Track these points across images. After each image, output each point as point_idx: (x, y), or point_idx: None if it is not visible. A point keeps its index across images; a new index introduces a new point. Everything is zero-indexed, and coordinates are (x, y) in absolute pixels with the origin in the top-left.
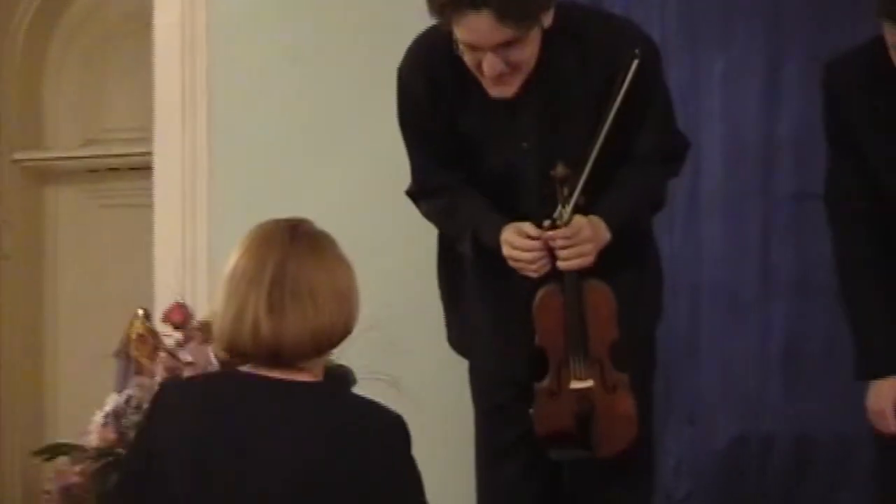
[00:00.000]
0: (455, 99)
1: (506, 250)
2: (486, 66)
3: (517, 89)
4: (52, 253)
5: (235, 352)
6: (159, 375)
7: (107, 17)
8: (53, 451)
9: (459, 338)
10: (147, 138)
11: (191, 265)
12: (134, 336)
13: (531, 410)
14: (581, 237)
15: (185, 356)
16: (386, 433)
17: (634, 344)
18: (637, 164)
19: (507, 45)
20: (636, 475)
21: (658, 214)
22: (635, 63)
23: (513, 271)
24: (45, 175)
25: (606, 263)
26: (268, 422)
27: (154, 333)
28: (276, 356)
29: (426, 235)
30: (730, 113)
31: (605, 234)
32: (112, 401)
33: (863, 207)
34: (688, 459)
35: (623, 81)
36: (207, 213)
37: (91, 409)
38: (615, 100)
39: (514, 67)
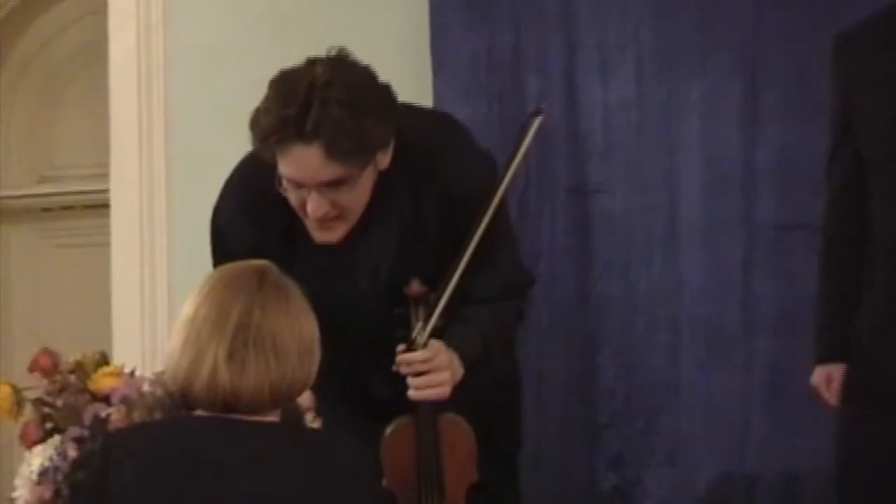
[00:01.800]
0: (282, 246)
1: None
2: (310, 207)
3: (344, 235)
4: (4, 295)
5: (188, 398)
6: (88, 422)
7: (61, 46)
8: None
9: None
10: (103, 175)
11: (150, 308)
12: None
13: None
14: (438, 362)
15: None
16: (359, 468)
17: (499, 476)
18: (484, 302)
19: (336, 184)
20: None
21: (635, 246)
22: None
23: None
24: None
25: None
26: (236, 466)
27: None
28: (230, 407)
29: None
30: (708, 139)
31: (458, 369)
32: (40, 453)
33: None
34: (669, 501)
35: (493, 197)
36: (167, 253)
37: None
38: (484, 216)
39: (341, 211)
